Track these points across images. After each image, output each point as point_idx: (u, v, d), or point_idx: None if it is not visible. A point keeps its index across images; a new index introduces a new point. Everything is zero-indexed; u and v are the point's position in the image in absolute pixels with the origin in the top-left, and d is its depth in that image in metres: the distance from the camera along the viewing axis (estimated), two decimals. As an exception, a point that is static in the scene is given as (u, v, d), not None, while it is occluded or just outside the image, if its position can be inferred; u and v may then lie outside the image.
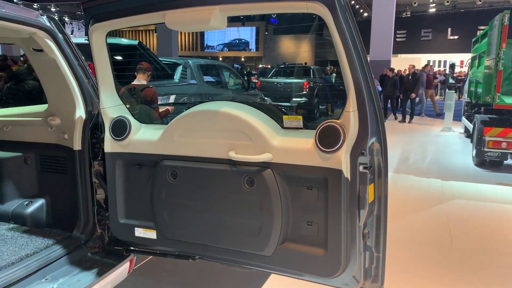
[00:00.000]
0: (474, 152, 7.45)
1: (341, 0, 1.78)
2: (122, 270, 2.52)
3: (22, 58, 10.25)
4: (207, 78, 8.19)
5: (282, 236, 2.04)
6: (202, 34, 35.59)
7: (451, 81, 16.68)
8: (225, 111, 2.10)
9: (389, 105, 14.72)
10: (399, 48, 28.57)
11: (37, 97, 5.30)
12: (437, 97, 21.26)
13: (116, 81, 2.48)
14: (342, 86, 1.91)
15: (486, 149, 6.94)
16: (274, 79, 14.61)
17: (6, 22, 2.18)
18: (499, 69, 6.83)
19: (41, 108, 2.75)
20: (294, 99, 13.28)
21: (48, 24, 2.39)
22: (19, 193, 2.79)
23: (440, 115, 14.81)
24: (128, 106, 2.55)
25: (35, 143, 2.77)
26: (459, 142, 10.45)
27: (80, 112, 2.55)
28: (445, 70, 25.71)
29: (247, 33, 35.91)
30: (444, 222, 4.94)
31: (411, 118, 13.84)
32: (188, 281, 3.68)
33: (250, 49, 36.13)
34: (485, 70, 7.88)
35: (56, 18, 2.50)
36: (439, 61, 32.51)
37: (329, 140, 1.89)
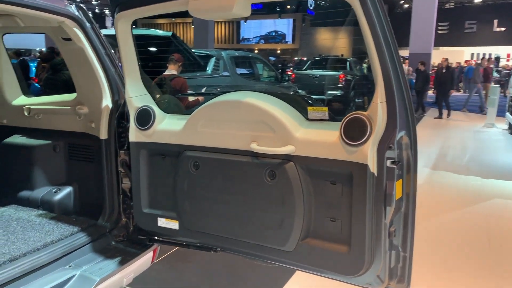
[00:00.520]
0: (518, 149, 7.07)
1: None
2: (145, 260, 2.53)
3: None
4: (240, 70, 8.16)
5: (304, 231, 1.97)
6: (238, 26, 35.62)
7: (495, 74, 15.94)
8: (248, 102, 2.05)
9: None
10: (441, 40, 27.56)
11: (72, 87, 5.41)
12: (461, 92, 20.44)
13: (142, 71, 2.47)
14: None
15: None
16: (309, 72, 14.43)
17: (36, 11, 2.21)
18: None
19: (70, 97, 2.79)
20: (329, 92, 13.06)
21: (76, 13, 2.41)
22: (48, 180, 2.84)
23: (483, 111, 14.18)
24: (156, 96, 2.55)
25: (64, 131, 2.82)
26: (502, 139, 9.99)
27: (107, 101, 2.56)
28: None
29: (283, 25, 35.64)
30: (482, 222, 4.72)
31: (448, 115, 13.25)
32: (213, 273, 3.68)
33: (287, 41, 35.87)
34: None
35: (91, 10, 2.51)
36: (484, 54, 31.20)
37: (355, 132, 1.80)
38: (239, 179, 2.09)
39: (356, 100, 13.58)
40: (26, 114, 2.92)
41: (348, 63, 15.52)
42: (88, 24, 2.45)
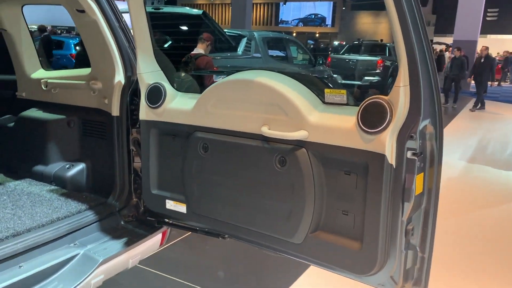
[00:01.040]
0: None
1: None
2: (153, 242, 2.46)
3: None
4: (273, 52, 7.97)
5: (314, 223, 1.83)
6: (277, 8, 35.09)
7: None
8: (260, 81, 1.90)
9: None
10: (489, 28, 26.12)
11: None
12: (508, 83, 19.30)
13: (155, 46, 2.36)
14: None
15: None
16: (346, 56, 14.00)
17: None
18: None
19: (85, 71, 2.72)
20: (365, 77, 12.66)
21: (90, -17, 2.32)
22: (61, 156, 2.81)
23: None
24: (170, 73, 2.44)
25: (79, 106, 2.76)
26: (549, 133, 9.38)
27: (119, 77, 2.48)
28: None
29: (324, 8, 34.81)
30: (520, 222, 4.41)
31: (481, 106, 12.43)
32: (231, 257, 3.60)
33: (326, 25, 35.05)
34: None
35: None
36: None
37: (373, 119, 1.62)
38: (248, 164, 1.96)
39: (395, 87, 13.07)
40: (43, 88, 2.89)
41: (387, 49, 14.97)
42: (102, -4, 2.36)
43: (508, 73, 22.21)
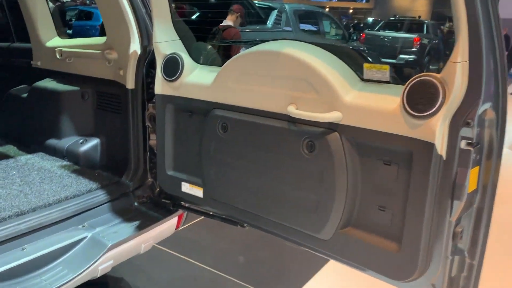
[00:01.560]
0: None
1: None
2: (168, 226, 2.29)
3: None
4: (304, 26, 7.60)
5: (345, 218, 1.60)
6: (310, -19, 34.10)
7: None
8: (288, 53, 1.65)
9: None
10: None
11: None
12: None
13: (174, 13, 2.13)
14: None
15: None
16: (381, 32, 13.40)
17: None
18: None
19: (100, 40, 2.53)
20: (401, 55, 12.08)
21: None
22: (75, 130, 2.65)
23: None
24: (189, 42, 2.21)
25: (93, 77, 2.58)
26: None
27: (135, 46, 2.27)
28: None
29: (359, -18, 33.59)
30: None
31: None
32: (251, 242, 3.43)
33: (361, 0, 33.87)
34: None
35: None
36: None
37: (421, 100, 1.36)
38: (272, 147, 1.73)
39: (430, 67, 12.49)
40: (58, 57, 2.72)
41: (425, 26, 14.25)
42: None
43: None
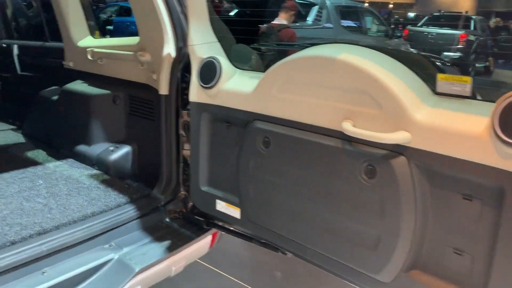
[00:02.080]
0: None
1: None
2: (201, 246, 2.09)
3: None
4: (345, 22, 7.26)
5: (410, 259, 1.33)
6: (349, -25, 33.35)
7: None
8: (344, 60, 1.40)
9: None
10: None
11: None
12: None
13: (212, 11, 1.91)
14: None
15: None
16: (425, 29, 12.80)
17: None
18: None
19: (133, 41, 2.35)
20: (445, 53, 11.48)
21: None
22: (105, 136, 2.49)
23: None
24: (229, 44, 2.00)
25: (125, 80, 2.41)
26: None
27: (169, 49, 2.07)
28: None
29: (400, -23, 32.61)
30: None
31: None
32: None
33: (402, -5, 32.83)
34: None
35: None
36: None
37: None
38: (323, 170, 1.49)
39: (477, 65, 11.83)
40: (89, 57, 2.56)
41: (472, 22, 13.52)
42: None
43: None
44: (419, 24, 14.51)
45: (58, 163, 2.48)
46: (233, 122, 1.80)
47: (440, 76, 1.32)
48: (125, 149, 2.42)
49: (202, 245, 2.10)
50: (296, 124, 1.55)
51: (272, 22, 4.64)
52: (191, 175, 2.00)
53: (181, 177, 2.18)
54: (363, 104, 1.36)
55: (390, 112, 1.31)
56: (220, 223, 2.04)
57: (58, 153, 2.62)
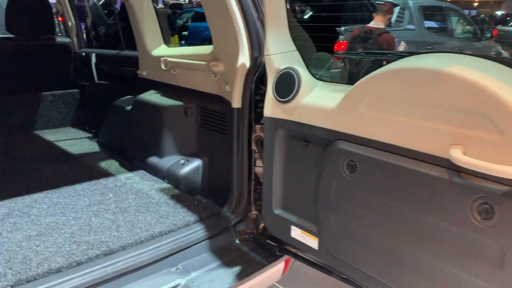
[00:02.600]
0: None
1: None
2: (272, 273, 1.92)
3: None
4: (428, 24, 6.76)
5: None
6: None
7: None
8: (455, 73, 1.15)
9: None
10: None
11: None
12: None
13: (291, 16, 1.73)
14: None
15: None
16: (518, 28, 11.70)
17: None
18: None
19: (207, 49, 2.23)
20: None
21: None
22: (177, 148, 2.41)
23: None
24: (309, 53, 1.81)
25: (197, 91, 2.31)
26: None
27: (244, 59, 1.92)
28: None
29: (487, -28, 30.45)
30: None
31: None
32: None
33: (489, -8, 30.61)
34: None
35: None
36: None
37: None
38: (421, 204, 1.25)
39: None
40: (162, 67, 2.50)
41: None
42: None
43: None
44: (510, 24, 13.32)
45: (129, 174, 2.44)
46: (313, 141, 1.60)
47: None
48: (196, 163, 2.31)
49: (273, 272, 1.92)
50: (389, 147, 1.32)
51: (367, 25, 4.35)
52: (263, 196, 1.83)
53: (252, 195, 2.03)
54: (477, 128, 1.11)
55: (514, 139, 1.04)
56: (294, 250, 1.86)
57: (130, 164, 2.59)
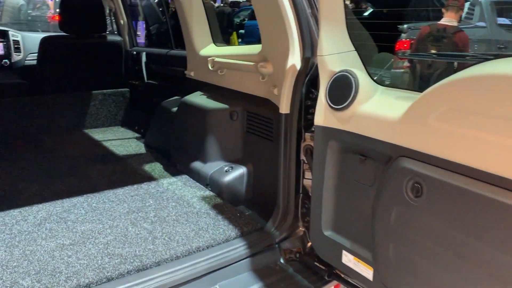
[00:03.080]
0: None
1: None
2: (320, 298, 1.72)
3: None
4: (501, 20, 6.18)
5: None
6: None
7: None
8: None
9: None
10: None
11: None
12: None
13: (350, 12, 1.52)
14: None
15: None
16: None
17: None
18: None
19: (256, 49, 2.07)
20: None
21: None
22: (221, 154, 2.26)
23: None
24: (370, 54, 1.60)
25: (244, 94, 2.15)
26: None
27: (294, 59, 1.74)
28: None
29: None
30: None
31: None
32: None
33: None
34: None
35: None
36: None
37: None
38: (503, 239, 1.01)
39: None
40: (210, 67, 2.36)
41: None
42: None
43: None
44: None
45: (172, 179, 2.33)
46: (370, 156, 1.39)
47: None
48: (240, 170, 2.16)
49: (321, 297, 1.72)
50: (466, 170, 1.08)
51: (439, 22, 4.00)
52: (311, 213, 1.64)
53: (300, 210, 1.84)
54: None
55: None
56: (344, 276, 1.65)
57: (174, 168, 2.48)
